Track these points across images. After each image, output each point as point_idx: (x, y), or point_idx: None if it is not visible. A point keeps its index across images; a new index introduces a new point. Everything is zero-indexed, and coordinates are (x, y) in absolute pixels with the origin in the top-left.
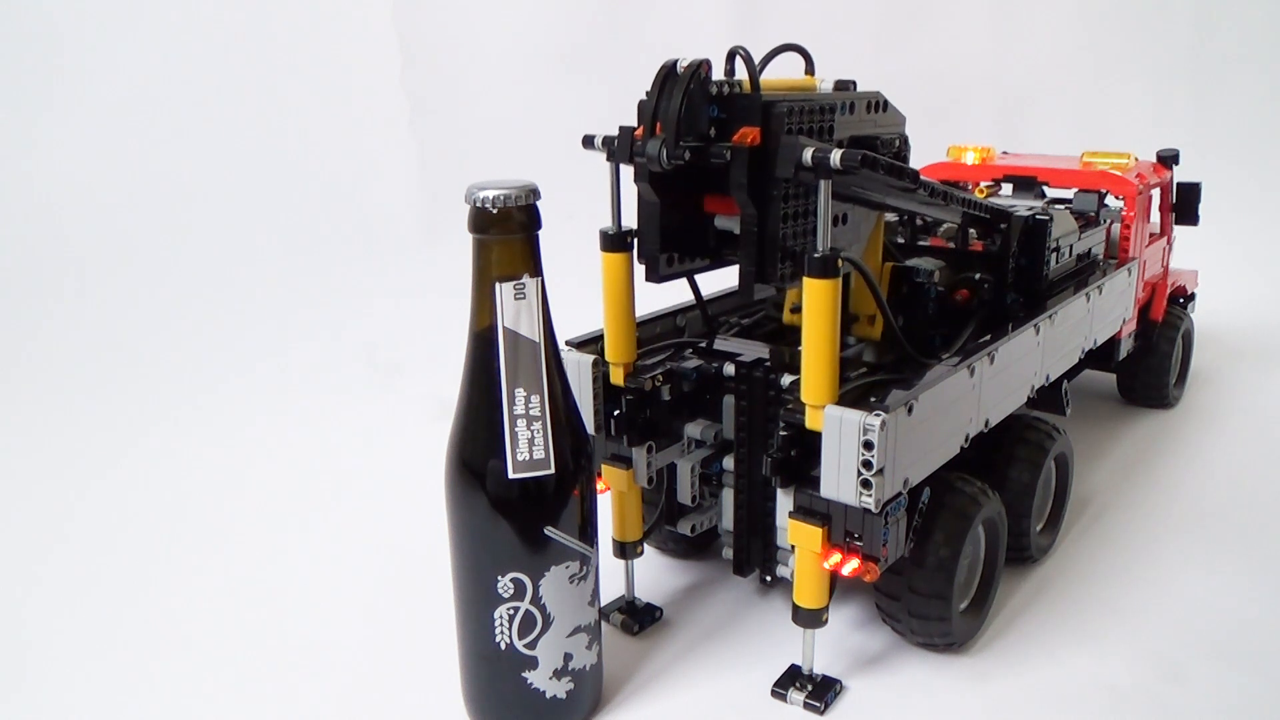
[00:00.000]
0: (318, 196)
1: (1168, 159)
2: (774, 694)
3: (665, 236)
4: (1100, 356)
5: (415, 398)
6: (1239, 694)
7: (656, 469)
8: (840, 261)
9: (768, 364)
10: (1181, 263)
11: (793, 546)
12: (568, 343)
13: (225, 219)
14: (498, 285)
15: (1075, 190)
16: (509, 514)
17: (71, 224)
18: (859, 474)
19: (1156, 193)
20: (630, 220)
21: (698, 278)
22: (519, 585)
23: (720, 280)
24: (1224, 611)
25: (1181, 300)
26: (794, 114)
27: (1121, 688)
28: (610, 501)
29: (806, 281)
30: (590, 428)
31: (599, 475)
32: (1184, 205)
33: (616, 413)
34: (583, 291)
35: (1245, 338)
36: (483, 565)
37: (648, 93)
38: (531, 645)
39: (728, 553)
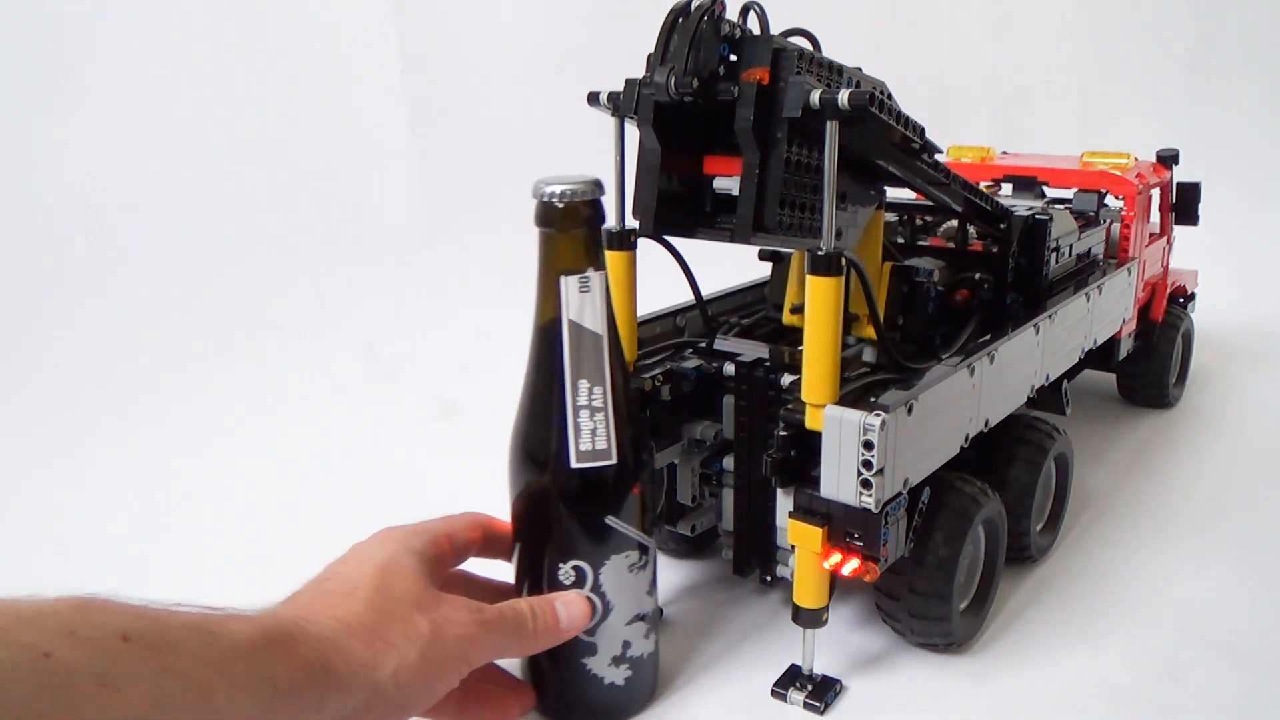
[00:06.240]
0: (317, 196)
1: (1168, 159)
2: (774, 694)
3: (662, 203)
4: (1100, 356)
5: (415, 399)
6: (1237, 693)
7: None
8: (842, 260)
9: (768, 364)
10: (1181, 263)
11: (793, 546)
12: None
13: (225, 219)
14: (562, 279)
15: (1075, 190)
16: (571, 503)
17: (71, 225)
18: (859, 474)
19: (1156, 193)
20: (634, 221)
21: (697, 278)
22: (580, 573)
23: (720, 280)
24: (1223, 611)
25: (1181, 300)
26: (804, 59)
27: (1121, 687)
28: None
29: (810, 279)
30: None
31: None
32: (1184, 205)
33: None
34: None
35: (1245, 338)
36: (546, 552)
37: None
38: (591, 632)
39: (728, 553)
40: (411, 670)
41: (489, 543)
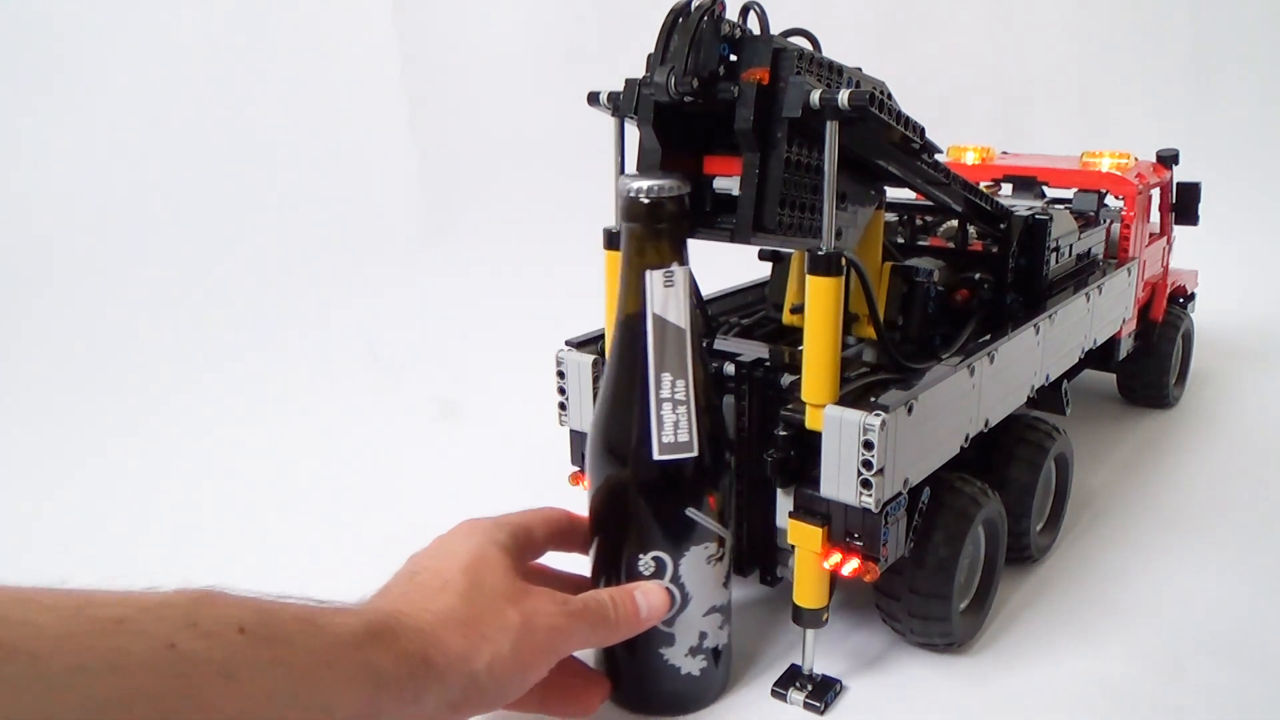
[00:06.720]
0: (318, 196)
1: (1168, 159)
2: (774, 694)
3: None
4: (1100, 356)
5: (415, 398)
6: (1237, 692)
7: None
8: (842, 260)
9: (768, 364)
10: (1181, 263)
11: (793, 546)
12: (567, 342)
13: (225, 218)
14: (648, 273)
15: (1075, 190)
16: (653, 495)
17: (72, 225)
18: (859, 474)
19: (1156, 193)
20: None
21: (698, 278)
22: (660, 564)
23: (720, 280)
24: (1223, 610)
25: (1181, 300)
26: (804, 59)
27: (1121, 686)
28: None
29: (810, 279)
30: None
31: None
32: (1184, 205)
33: None
34: (584, 291)
35: (1245, 338)
36: (625, 544)
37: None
38: (670, 623)
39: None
40: (505, 662)
41: (565, 535)
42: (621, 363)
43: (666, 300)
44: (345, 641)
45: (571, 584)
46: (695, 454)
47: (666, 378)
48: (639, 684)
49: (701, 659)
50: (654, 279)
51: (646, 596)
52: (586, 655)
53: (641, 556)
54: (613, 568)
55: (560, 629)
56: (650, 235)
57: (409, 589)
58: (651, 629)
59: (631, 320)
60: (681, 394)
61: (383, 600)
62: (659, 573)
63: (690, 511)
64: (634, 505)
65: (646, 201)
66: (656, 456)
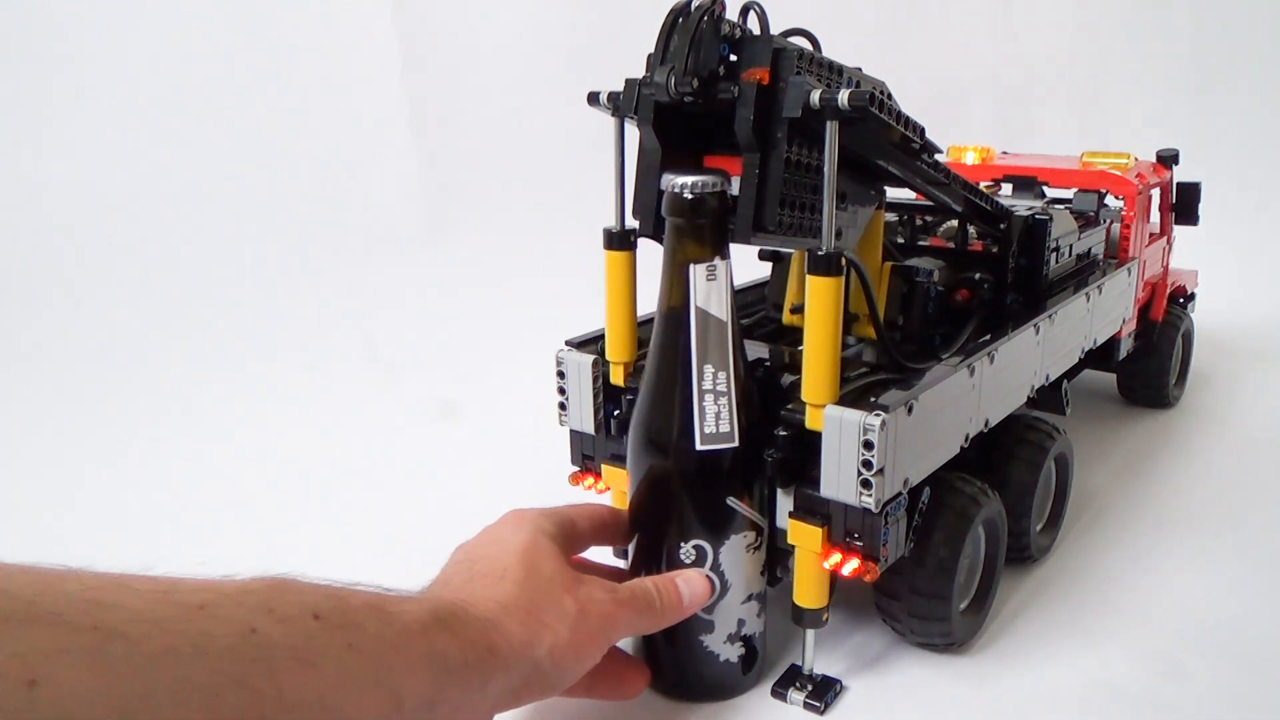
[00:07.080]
0: (318, 196)
1: (1168, 159)
2: (774, 694)
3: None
4: (1100, 356)
5: (415, 398)
6: (1238, 692)
7: None
8: (842, 260)
9: (768, 364)
10: (1181, 263)
11: (793, 546)
12: (567, 342)
13: (225, 218)
14: (691, 267)
15: (1075, 190)
16: (695, 484)
17: (72, 227)
18: (859, 474)
19: (1156, 193)
20: (633, 221)
21: None
22: (700, 552)
23: None
24: (1224, 610)
25: (1181, 300)
26: (804, 59)
27: (1121, 687)
28: (611, 502)
29: (810, 279)
30: (590, 428)
31: (598, 475)
32: (1184, 205)
33: (617, 413)
34: (584, 291)
35: (1245, 338)
36: (667, 532)
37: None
38: (709, 610)
39: None
40: (564, 648)
41: (607, 530)
42: (663, 355)
43: (709, 293)
44: (413, 629)
45: (610, 575)
46: (736, 444)
47: (708, 370)
48: (679, 670)
49: (739, 646)
50: (697, 273)
51: (689, 584)
52: (625, 643)
53: (683, 545)
54: (654, 556)
55: (611, 615)
56: (693, 230)
57: (469, 579)
58: (692, 616)
59: (673, 313)
60: (723, 386)
61: (445, 589)
62: (700, 561)
63: (731, 500)
64: (676, 495)
65: (690, 197)
66: (699, 447)
